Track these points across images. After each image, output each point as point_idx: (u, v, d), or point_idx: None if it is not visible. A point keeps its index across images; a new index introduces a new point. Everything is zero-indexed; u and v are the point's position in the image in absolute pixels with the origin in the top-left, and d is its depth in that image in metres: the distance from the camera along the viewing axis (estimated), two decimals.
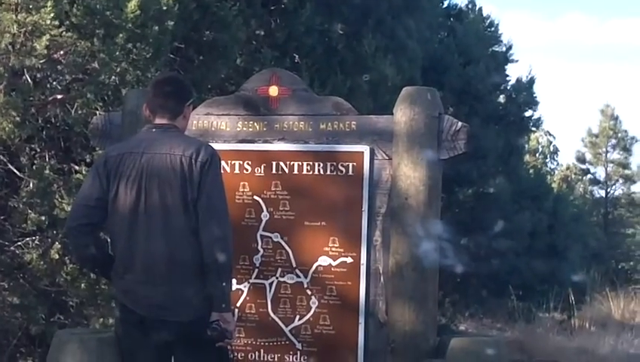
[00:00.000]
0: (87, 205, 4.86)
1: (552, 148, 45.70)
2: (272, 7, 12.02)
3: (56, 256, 9.22)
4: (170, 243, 4.67)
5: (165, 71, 8.22)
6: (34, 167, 9.29)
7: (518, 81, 22.74)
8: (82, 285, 9.31)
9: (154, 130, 4.92)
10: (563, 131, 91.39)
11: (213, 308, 4.65)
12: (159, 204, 4.68)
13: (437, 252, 6.03)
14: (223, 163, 6.20)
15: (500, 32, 22.51)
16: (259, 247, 6.22)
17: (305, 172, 6.18)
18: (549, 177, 37.25)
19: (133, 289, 4.81)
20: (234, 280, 6.14)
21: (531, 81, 22.72)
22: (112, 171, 4.81)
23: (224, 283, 4.68)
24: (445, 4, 20.98)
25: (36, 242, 9.48)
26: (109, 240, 5.03)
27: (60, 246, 9.19)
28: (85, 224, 4.86)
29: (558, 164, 45.79)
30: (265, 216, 6.23)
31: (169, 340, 4.78)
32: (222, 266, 4.62)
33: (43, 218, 9.14)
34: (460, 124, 5.98)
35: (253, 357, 6.19)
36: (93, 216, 4.84)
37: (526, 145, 30.72)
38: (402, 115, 5.96)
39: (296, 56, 12.25)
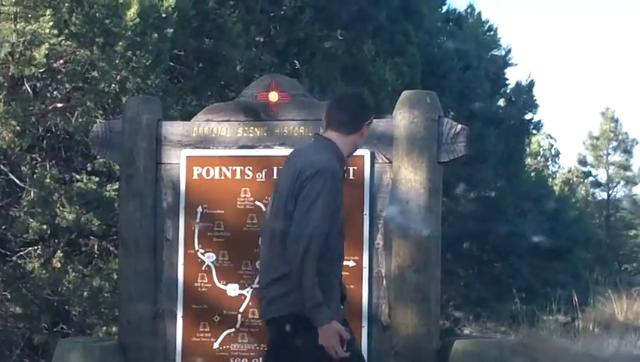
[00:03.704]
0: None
1: (553, 151, 45.82)
2: (272, 14, 12.03)
3: (59, 265, 9.23)
4: (271, 253, 4.75)
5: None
6: (35, 176, 9.30)
7: (518, 84, 22.84)
8: (85, 293, 9.32)
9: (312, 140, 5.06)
10: (564, 134, 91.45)
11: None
12: (274, 216, 4.77)
13: (439, 254, 6.03)
14: (224, 169, 6.31)
15: (499, 35, 22.63)
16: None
17: None
18: (550, 180, 37.32)
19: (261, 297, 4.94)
20: (236, 285, 6.19)
21: (531, 84, 22.81)
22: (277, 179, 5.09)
23: (303, 295, 4.55)
24: (444, 9, 21.03)
25: (38, 251, 9.49)
26: None
27: (61, 254, 9.20)
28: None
29: (559, 166, 45.93)
30: None
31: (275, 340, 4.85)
32: (296, 278, 4.57)
33: (44, 227, 9.15)
34: (459, 126, 5.98)
35: None
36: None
37: (527, 149, 30.74)
38: (402, 119, 5.96)
39: (296, 62, 12.26)
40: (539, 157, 42.73)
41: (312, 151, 4.83)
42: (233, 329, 6.19)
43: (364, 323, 5.99)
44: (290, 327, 4.63)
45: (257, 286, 6.13)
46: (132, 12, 8.71)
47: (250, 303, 6.20)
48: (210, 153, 6.35)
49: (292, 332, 4.63)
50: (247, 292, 6.21)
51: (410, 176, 5.90)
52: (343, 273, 5.93)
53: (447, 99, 14.61)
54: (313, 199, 4.55)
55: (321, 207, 4.55)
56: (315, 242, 4.48)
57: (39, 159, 9.81)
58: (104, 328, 9.63)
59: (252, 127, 6.35)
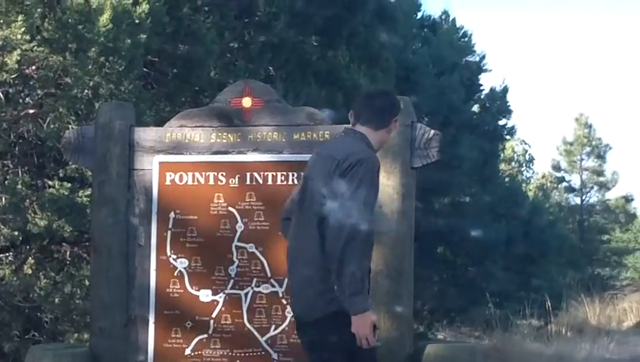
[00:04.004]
0: (290, 200, 5.03)
1: (527, 157, 45.96)
2: (246, 20, 12.00)
3: (30, 272, 9.19)
4: (309, 245, 4.66)
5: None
6: (6, 183, 9.24)
7: (492, 90, 22.89)
8: (56, 300, 9.27)
9: (342, 133, 5.00)
10: (538, 140, 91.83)
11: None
12: (308, 205, 4.72)
13: (412, 259, 6.04)
14: (197, 174, 6.30)
15: (473, 42, 22.69)
16: (234, 258, 6.22)
17: (279, 182, 6.19)
18: (525, 185, 37.44)
19: (293, 292, 4.89)
20: (209, 291, 6.18)
21: (505, 90, 22.88)
22: (306, 170, 4.98)
23: (340, 282, 4.48)
24: (419, 15, 21.05)
25: (10, 258, 9.44)
26: None
27: (33, 261, 9.16)
28: (285, 219, 5.01)
29: (533, 172, 46.07)
30: (240, 226, 6.23)
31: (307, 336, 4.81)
32: (337, 263, 4.48)
33: (16, 233, 9.12)
34: (432, 132, 6.00)
35: None
36: (292, 212, 4.93)
37: (501, 154, 30.84)
38: None
39: (271, 68, 12.24)
40: (513, 163, 42.87)
41: (348, 142, 4.80)
42: (205, 335, 6.19)
43: None
44: (332, 326, 4.57)
45: (233, 290, 6.18)
46: (105, 18, 8.67)
47: (223, 309, 6.21)
48: (184, 159, 6.35)
49: (334, 331, 4.57)
50: (220, 297, 6.21)
51: (383, 181, 5.88)
52: None
53: (421, 105, 14.63)
54: (356, 186, 4.50)
55: (365, 195, 4.51)
56: (359, 229, 4.41)
57: (11, 165, 9.76)
58: (76, 335, 9.58)
59: (225, 133, 6.35)
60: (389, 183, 5.91)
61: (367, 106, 4.93)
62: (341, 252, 4.40)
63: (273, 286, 6.15)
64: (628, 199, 41.95)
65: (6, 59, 8.33)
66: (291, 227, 4.86)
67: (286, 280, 6.04)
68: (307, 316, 4.70)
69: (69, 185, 9.46)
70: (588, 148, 41.18)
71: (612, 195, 41.47)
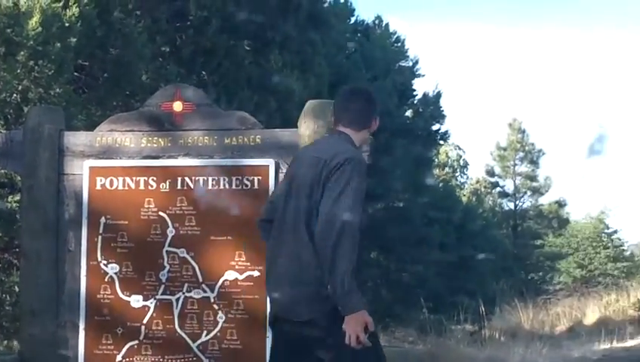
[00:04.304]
0: (269, 202, 5.02)
1: (461, 162, 46.34)
2: (178, 24, 11.96)
3: None
4: (296, 244, 4.66)
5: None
6: None
7: (425, 95, 23.03)
8: None
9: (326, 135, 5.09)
10: (472, 145, 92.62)
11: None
12: (294, 205, 4.71)
13: None
14: (128, 179, 6.25)
15: (406, 47, 22.82)
16: (165, 263, 6.16)
17: (210, 187, 6.15)
18: (458, 191, 37.75)
19: (272, 289, 4.84)
20: (140, 297, 6.13)
21: (438, 95, 23.04)
22: (288, 172, 4.97)
23: (332, 280, 4.48)
24: (352, 20, 21.14)
25: None
26: None
27: None
28: (264, 220, 4.97)
29: (467, 177, 46.46)
30: (170, 231, 6.18)
31: (296, 339, 4.73)
32: (329, 263, 4.47)
33: None
34: None
35: None
36: (272, 213, 4.90)
37: (435, 159, 31.05)
38: (306, 128, 5.97)
39: (204, 73, 12.21)
40: (447, 168, 43.20)
41: (334, 143, 4.82)
42: (136, 341, 6.13)
43: (269, 334, 5.95)
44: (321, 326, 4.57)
45: (164, 296, 6.13)
46: (34, 21, 8.58)
47: (154, 314, 6.14)
48: (114, 163, 6.29)
49: (324, 331, 4.57)
50: (151, 303, 6.16)
51: None
52: (248, 283, 5.99)
53: None
54: (344, 184, 4.53)
55: (353, 194, 4.52)
56: (349, 227, 4.42)
57: None
58: (5, 342, 9.45)
59: (156, 137, 6.30)
60: None
61: (347, 110, 4.94)
62: (332, 250, 4.42)
63: (205, 291, 6.11)
64: (561, 204, 42.45)
65: None
66: (275, 227, 4.83)
67: (218, 283, 6.04)
68: (299, 316, 4.66)
69: None
70: (521, 154, 41.58)
71: (545, 200, 41.95)
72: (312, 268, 4.56)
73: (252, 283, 5.99)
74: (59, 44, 8.81)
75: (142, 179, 6.23)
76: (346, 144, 4.79)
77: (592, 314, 21.34)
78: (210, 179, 6.15)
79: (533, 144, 41.93)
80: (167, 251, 6.17)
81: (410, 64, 22.71)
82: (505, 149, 41.80)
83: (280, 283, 4.75)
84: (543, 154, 41.95)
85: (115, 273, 6.18)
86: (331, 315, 4.49)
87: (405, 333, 20.82)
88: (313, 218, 4.56)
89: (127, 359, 6.12)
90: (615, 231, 44.43)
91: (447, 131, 24.30)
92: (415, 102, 23.03)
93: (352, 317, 4.42)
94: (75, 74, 10.06)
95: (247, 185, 6.07)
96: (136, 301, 6.15)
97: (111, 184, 6.25)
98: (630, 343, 15.72)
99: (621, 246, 45.35)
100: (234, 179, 6.09)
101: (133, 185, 6.20)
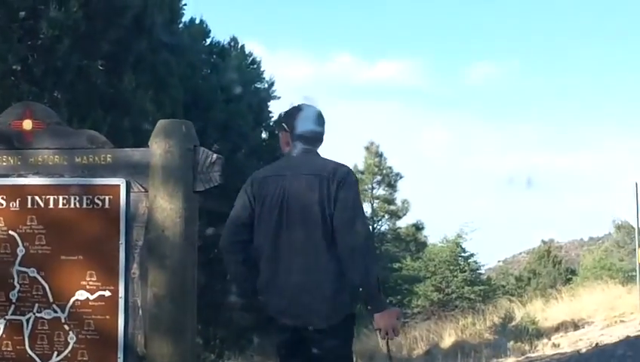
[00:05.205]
0: (237, 224, 5.52)
1: None
2: (29, 42, 11.81)
3: None
4: (312, 258, 5.04)
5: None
6: None
7: (280, 117, 23.17)
8: None
9: (299, 154, 5.50)
10: None
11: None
12: (300, 221, 5.08)
13: (195, 283, 6.07)
14: None
15: (262, 69, 22.97)
16: (15, 283, 6.07)
17: (61, 206, 6.10)
18: None
19: (277, 302, 5.28)
20: None
21: None
22: (257, 193, 5.48)
23: (367, 284, 5.00)
24: (208, 41, 21.17)
25: None
26: None
27: None
28: (236, 241, 5.48)
29: None
30: (21, 250, 6.10)
31: (309, 346, 5.16)
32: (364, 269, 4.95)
33: None
34: (214, 156, 6.06)
35: None
36: (243, 234, 5.43)
37: None
38: (157, 148, 5.98)
39: (56, 92, 12.08)
40: None
41: (321, 159, 5.41)
42: None
43: (120, 354, 5.95)
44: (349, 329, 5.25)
45: (14, 316, 6.05)
46: None
47: (4, 335, 6.06)
48: None
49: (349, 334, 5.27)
50: (1, 323, 6.07)
51: (165, 205, 5.92)
52: (100, 303, 5.97)
53: (211, 131, 14.74)
54: (355, 194, 5.07)
55: (360, 202, 5.14)
56: (370, 233, 5.13)
57: None
58: None
59: (5, 156, 6.22)
60: (171, 207, 5.92)
61: (316, 139, 5.60)
62: (363, 256, 4.87)
63: (55, 311, 6.05)
64: (418, 227, 43.21)
65: None
66: (272, 244, 5.23)
67: (69, 304, 5.99)
68: (319, 324, 5.10)
69: None
70: (379, 177, 42.16)
71: (403, 223, 42.60)
72: (330, 281, 5.02)
73: (103, 303, 5.96)
74: None
75: None
76: (327, 158, 5.38)
77: (448, 338, 21.78)
78: (60, 198, 6.10)
79: (390, 167, 42.61)
80: (17, 270, 6.08)
81: (266, 85, 22.87)
82: (362, 173, 42.31)
83: (296, 294, 5.15)
84: (401, 177, 42.68)
85: None
86: (346, 323, 5.16)
87: (263, 357, 20.81)
88: (329, 230, 4.98)
89: None
90: (472, 255, 45.32)
91: None
92: (271, 123, 23.18)
93: (384, 312, 5.00)
94: None
95: (98, 205, 6.05)
96: None
97: None
98: None
99: (477, 269, 46.30)
100: (84, 198, 6.05)
101: None
